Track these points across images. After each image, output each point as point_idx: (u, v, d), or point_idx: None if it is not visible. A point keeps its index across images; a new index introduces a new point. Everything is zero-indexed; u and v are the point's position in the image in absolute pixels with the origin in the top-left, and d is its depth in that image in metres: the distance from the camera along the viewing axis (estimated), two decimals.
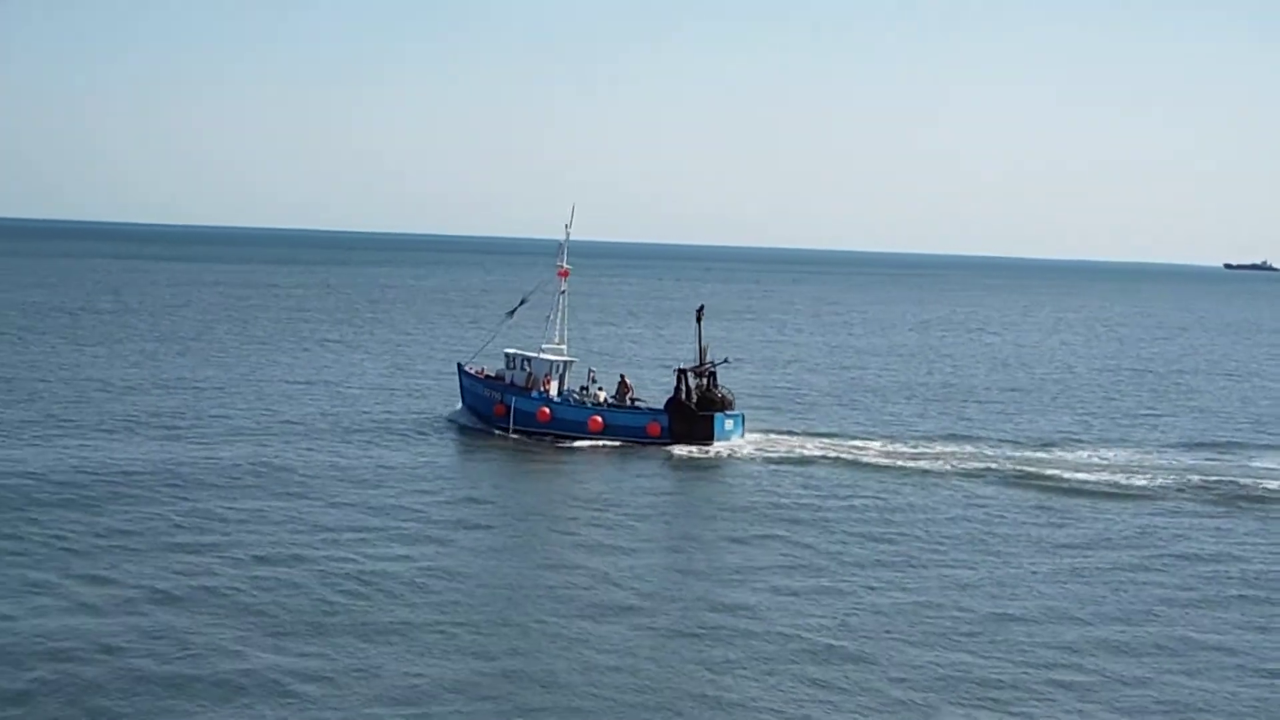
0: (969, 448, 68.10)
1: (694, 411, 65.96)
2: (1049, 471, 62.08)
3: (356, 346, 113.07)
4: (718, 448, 64.90)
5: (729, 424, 66.47)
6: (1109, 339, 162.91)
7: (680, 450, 64.67)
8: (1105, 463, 65.17)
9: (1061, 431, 76.56)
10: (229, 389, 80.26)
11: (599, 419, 66.01)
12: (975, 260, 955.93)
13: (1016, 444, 70.33)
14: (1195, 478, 61.54)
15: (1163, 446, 71.50)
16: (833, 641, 36.80)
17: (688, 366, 68.31)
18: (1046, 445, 70.32)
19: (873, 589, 42.31)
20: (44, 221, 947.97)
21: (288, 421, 69.10)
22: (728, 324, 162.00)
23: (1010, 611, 40.31)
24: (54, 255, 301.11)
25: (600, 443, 65.46)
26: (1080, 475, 61.27)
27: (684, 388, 66.66)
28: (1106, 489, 58.77)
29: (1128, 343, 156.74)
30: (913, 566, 45.36)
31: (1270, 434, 78.77)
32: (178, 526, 46.31)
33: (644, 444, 65.37)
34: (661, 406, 67.53)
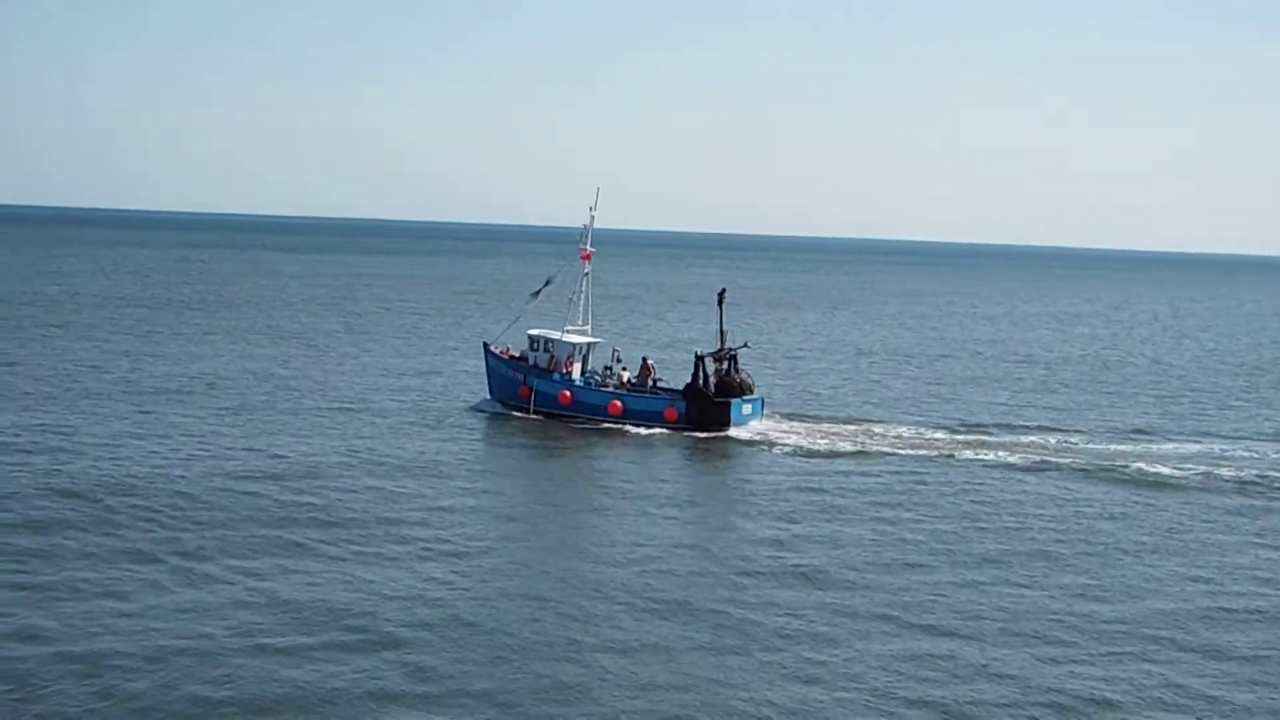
0: (1008, 437, 67.88)
1: (710, 397, 66.53)
2: (1119, 463, 61.46)
3: (448, 336, 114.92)
4: (734, 432, 65.55)
5: (746, 409, 67.23)
6: (1245, 330, 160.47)
7: (699, 435, 65.31)
8: (1195, 454, 64.33)
9: (1148, 422, 76.41)
10: (327, 381, 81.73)
11: (618, 403, 67.22)
12: (1104, 253, 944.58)
13: (1062, 433, 69.96)
14: None
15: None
16: (915, 620, 37.41)
17: (706, 352, 68.75)
18: (1120, 436, 69.84)
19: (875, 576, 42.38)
20: (48, 209, 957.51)
21: (380, 412, 70.41)
22: (822, 316, 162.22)
23: (1098, 593, 40.69)
24: (99, 244, 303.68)
25: (619, 426, 66.36)
26: (1159, 468, 60.33)
27: (702, 373, 67.16)
28: (1195, 481, 58.03)
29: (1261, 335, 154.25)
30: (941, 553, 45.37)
31: None
32: (272, 510, 47.71)
33: (662, 428, 66.22)
34: (680, 391, 68.23)
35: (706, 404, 66.39)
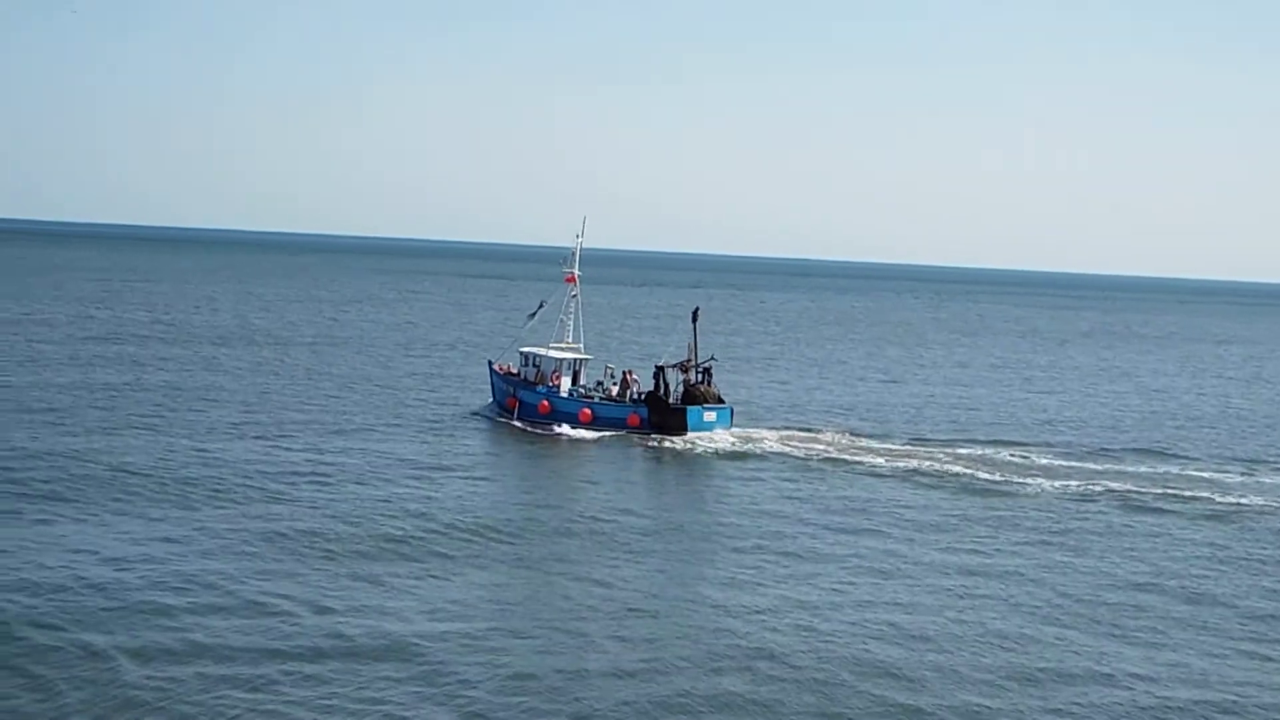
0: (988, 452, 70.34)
1: (668, 405, 72.23)
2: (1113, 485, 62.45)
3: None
4: (693, 439, 70.45)
5: (710, 416, 72.22)
6: None
7: (658, 438, 70.55)
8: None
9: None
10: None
11: (588, 411, 73.32)
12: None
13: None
14: None
15: None
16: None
17: (669, 364, 74.36)
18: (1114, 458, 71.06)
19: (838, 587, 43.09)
20: (40, 223, 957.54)
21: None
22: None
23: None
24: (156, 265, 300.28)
25: (589, 432, 71.76)
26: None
27: (663, 383, 72.98)
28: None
29: None
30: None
31: None
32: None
33: (627, 433, 71.90)
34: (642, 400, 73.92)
35: (666, 411, 72.07)
